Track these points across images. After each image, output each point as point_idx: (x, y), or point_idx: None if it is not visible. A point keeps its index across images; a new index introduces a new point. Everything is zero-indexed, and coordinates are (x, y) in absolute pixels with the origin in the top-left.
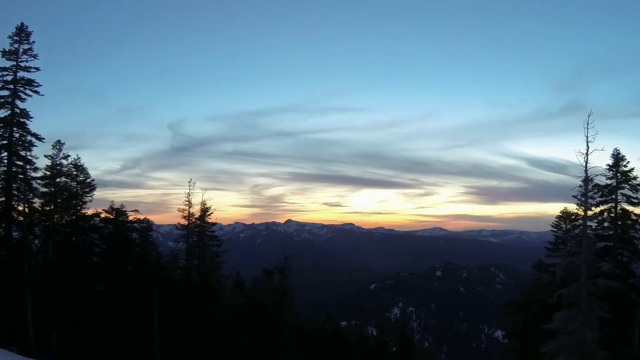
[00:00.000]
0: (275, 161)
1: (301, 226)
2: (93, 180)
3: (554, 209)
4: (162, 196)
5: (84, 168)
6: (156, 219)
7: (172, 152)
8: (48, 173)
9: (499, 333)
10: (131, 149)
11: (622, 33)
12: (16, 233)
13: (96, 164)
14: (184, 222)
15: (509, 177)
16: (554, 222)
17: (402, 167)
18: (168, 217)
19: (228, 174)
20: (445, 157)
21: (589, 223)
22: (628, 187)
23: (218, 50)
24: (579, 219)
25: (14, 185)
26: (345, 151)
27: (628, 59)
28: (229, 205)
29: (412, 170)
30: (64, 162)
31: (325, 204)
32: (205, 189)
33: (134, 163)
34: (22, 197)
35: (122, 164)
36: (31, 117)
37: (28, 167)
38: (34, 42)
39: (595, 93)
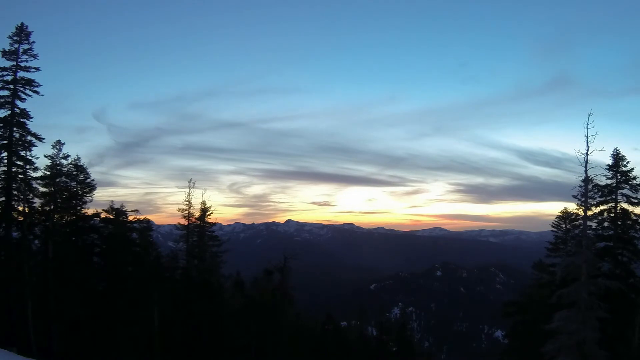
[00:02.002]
0: (237, 157)
1: (301, 226)
2: (93, 180)
3: (551, 208)
4: (144, 195)
5: (84, 168)
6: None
7: (122, 148)
8: (48, 173)
9: (499, 333)
10: (66, 143)
11: None
12: (16, 233)
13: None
14: (184, 222)
15: (498, 173)
16: (554, 222)
17: (377, 161)
18: (166, 216)
19: (196, 172)
20: (416, 148)
21: (589, 223)
22: (628, 187)
23: (134, 32)
24: (579, 219)
25: (14, 185)
26: (307, 143)
27: (622, 11)
28: (218, 205)
29: (389, 165)
30: (64, 162)
31: (314, 203)
32: (188, 189)
33: (93, 160)
34: (22, 197)
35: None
36: (31, 117)
37: (28, 167)
38: (34, 42)
39: (584, 63)
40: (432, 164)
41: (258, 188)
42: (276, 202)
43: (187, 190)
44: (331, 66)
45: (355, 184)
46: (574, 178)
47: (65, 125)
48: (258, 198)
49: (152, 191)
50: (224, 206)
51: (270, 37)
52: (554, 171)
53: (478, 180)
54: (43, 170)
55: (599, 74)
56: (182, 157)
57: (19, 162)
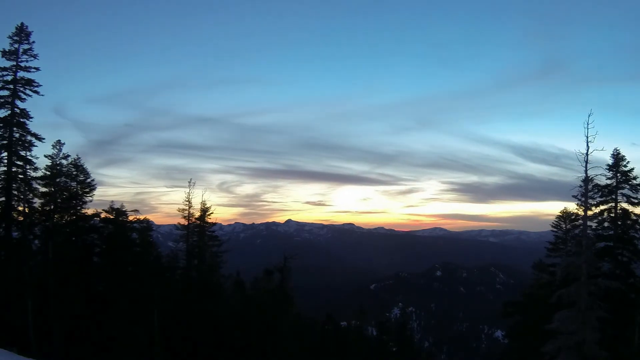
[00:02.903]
0: (219, 155)
1: (301, 226)
2: (93, 180)
3: (551, 208)
4: (136, 195)
5: (84, 168)
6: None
7: (96, 146)
8: (48, 173)
9: (499, 333)
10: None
11: None
12: (16, 233)
13: None
14: (184, 222)
15: (492, 171)
16: (554, 222)
17: (366, 159)
18: (162, 216)
19: (180, 171)
20: (403, 143)
21: (589, 223)
22: (628, 187)
23: (82, 21)
24: (579, 219)
25: (14, 185)
26: (287, 140)
27: None
28: (212, 205)
29: (379, 163)
30: (64, 162)
31: (308, 202)
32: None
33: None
34: (22, 197)
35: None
36: (31, 117)
37: (28, 167)
38: (33, 42)
39: (578, 45)
40: (422, 161)
41: (249, 187)
42: (270, 201)
43: (187, 190)
44: (298, 55)
45: (347, 183)
46: (572, 176)
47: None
48: (251, 198)
49: (144, 191)
50: (218, 206)
51: (232, 26)
52: (551, 169)
53: (472, 178)
54: (43, 170)
55: (595, 58)
56: (162, 156)
57: (19, 162)
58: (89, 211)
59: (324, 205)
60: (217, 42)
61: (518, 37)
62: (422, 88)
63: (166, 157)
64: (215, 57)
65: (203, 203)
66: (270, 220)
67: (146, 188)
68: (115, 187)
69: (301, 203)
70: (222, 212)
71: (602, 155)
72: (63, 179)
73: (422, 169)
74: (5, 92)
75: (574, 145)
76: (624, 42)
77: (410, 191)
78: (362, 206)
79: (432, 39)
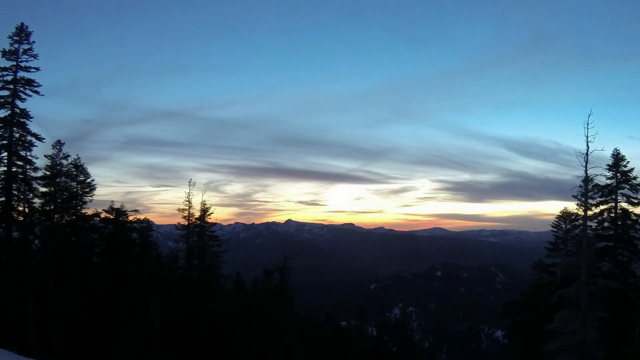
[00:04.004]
0: (192, 152)
1: (301, 226)
2: (93, 180)
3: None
4: (126, 195)
5: (84, 168)
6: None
7: (64, 144)
8: (48, 173)
9: (499, 333)
10: None
11: None
12: (16, 233)
13: None
14: (184, 222)
15: (484, 169)
16: (554, 222)
17: (348, 155)
18: (157, 216)
19: (161, 170)
20: (384, 137)
21: (589, 223)
22: (628, 187)
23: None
24: (579, 219)
25: (14, 185)
26: (259, 136)
27: None
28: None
29: (363, 159)
30: (64, 162)
31: (301, 202)
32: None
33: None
34: (22, 197)
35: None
36: (31, 117)
37: (28, 167)
38: (33, 42)
39: (567, 20)
40: (409, 158)
41: (238, 187)
42: (262, 201)
43: (188, 190)
44: (258, 41)
45: (337, 182)
46: (570, 174)
47: None
48: (243, 197)
49: (132, 190)
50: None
51: (183, 9)
52: (548, 166)
53: (464, 176)
54: (43, 170)
55: (587, 35)
56: (136, 154)
57: (19, 162)
58: (89, 211)
59: (317, 205)
60: (168, 27)
61: (499, 11)
62: (394, 73)
63: (141, 155)
64: (167, 42)
65: (203, 203)
66: (267, 220)
67: (133, 188)
68: (102, 186)
69: (294, 203)
70: (218, 212)
71: (599, 147)
72: (63, 179)
73: (409, 165)
74: (5, 92)
75: (560, 132)
76: (624, 12)
77: (403, 190)
78: (356, 206)
79: (399, 18)
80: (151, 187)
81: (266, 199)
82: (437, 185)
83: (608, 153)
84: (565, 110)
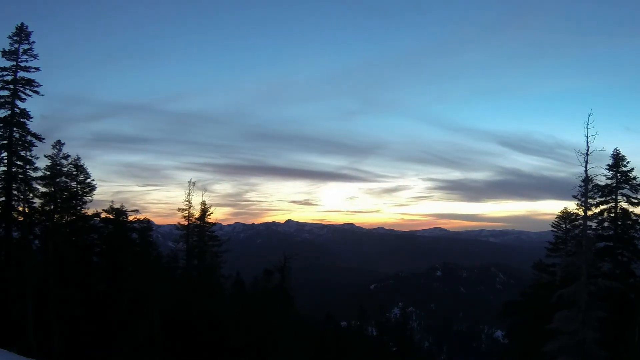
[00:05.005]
0: (167, 149)
1: (301, 226)
2: (93, 180)
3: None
4: (116, 194)
5: (84, 168)
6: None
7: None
8: (48, 173)
9: (499, 333)
10: None
11: None
12: (16, 233)
13: None
14: (184, 222)
15: (476, 166)
16: (554, 222)
17: (332, 152)
18: (153, 216)
19: (142, 169)
20: (360, 131)
21: (589, 223)
22: (628, 187)
23: None
24: (579, 219)
25: (14, 185)
26: (229, 131)
27: None
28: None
29: (352, 157)
30: (64, 162)
31: (294, 202)
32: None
33: None
34: (22, 197)
35: None
36: (31, 117)
37: (28, 167)
38: (33, 42)
39: None
40: (397, 154)
41: (227, 186)
42: (255, 200)
43: (188, 190)
44: (211, 24)
45: (326, 180)
46: (567, 171)
47: None
48: (235, 197)
49: (120, 190)
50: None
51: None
52: (544, 163)
53: (455, 174)
54: (43, 170)
55: (580, 9)
56: (109, 152)
57: (19, 162)
58: (89, 211)
59: (311, 204)
60: (116, 13)
61: None
62: (358, 54)
63: (115, 154)
64: (115, 29)
65: (203, 203)
66: (264, 220)
67: (120, 187)
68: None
69: (287, 202)
70: (215, 212)
71: (599, 147)
72: (63, 179)
73: (398, 163)
74: (5, 92)
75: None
76: None
77: (395, 189)
78: (351, 205)
79: None
80: (137, 187)
81: (259, 199)
82: (430, 184)
83: (608, 152)
84: (561, 98)
